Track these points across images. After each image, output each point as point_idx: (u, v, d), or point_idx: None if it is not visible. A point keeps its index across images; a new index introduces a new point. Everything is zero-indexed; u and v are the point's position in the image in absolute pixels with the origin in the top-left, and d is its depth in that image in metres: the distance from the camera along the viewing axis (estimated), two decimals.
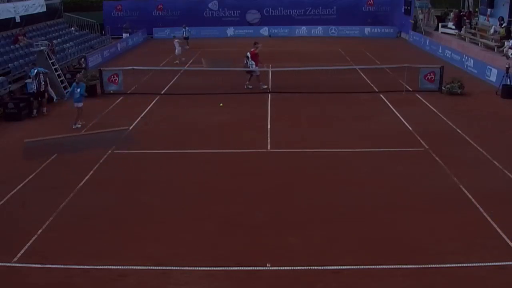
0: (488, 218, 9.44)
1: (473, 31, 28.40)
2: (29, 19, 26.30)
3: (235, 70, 21.89)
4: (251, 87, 19.88)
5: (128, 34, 33.32)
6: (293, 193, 10.73)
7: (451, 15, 32.85)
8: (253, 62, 19.72)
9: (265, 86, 19.80)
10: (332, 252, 8.45)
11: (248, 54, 19.78)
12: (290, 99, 18.57)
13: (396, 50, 30.34)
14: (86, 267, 8.03)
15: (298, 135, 14.48)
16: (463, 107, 17.33)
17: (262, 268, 8.01)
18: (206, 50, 31.13)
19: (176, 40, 26.93)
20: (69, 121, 16.23)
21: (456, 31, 30.40)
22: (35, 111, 16.92)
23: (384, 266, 7.97)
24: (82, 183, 11.29)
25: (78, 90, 15.39)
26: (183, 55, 27.05)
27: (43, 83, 16.92)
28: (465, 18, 30.52)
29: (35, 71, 17.04)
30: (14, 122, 16.12)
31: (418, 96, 18.64)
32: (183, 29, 32.14)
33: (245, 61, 19.89)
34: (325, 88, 19.71)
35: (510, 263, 8.00)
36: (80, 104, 15.53)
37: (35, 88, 16.92)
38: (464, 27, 29.96)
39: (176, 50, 26.60)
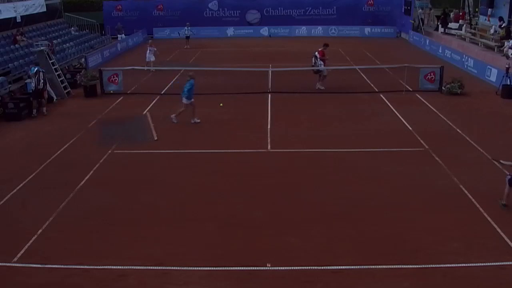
0: (488, 218, 9.45)
1: (473, 31, 28.41)
2: (29, 19, 26.35)
3: (237, 70, 21.92)
4: (322, 88, 19.69)
5: (123, 35, 33.07)
6: (293, 193, 10.73)
7: (451, 15, 32.96)
8: (322, 62, 19.56)
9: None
10: (332, 252, 8.45)
11: (317, 54, 19.54)
12: (290, 99, 18.57)
13: (396, 50, 30.34)
14: (86, 267, 8.03)
15: (298, 135, 14.49)
16: (463, 107, 17.33)
17: (262, 268, 8.01)
18: (206, 50, 31.16)
19: (151, 47, 24.42)
20: (69, 121, 16.28)
21: (442, 29, 31.55)
22: (34, 111, 16.89)
23: (384, 266, 7.97)
24: (82, 183, 11.30)
25: (186, 87, 15.30)
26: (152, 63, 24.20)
27: (42, 81, 16.90)
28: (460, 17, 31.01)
29: (35, 69, 17.05)
30: (14, 122, 16.12)
31: (418, 96, 18.63)
32: (186, 28, 32.01)
33: (314, 61, 19.65)
34: (325, 88, 19.70)
35: (510, 263, 8.01)
36: (186, 101, 15.27)
37: (34, 86, 16.89)
38: (445, 26, 31.18)
39: (148, 58, 24.19)
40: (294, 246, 8.66)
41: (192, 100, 15.41)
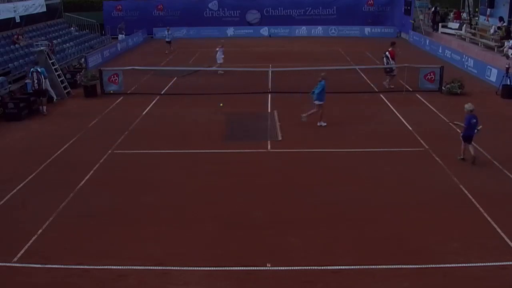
0: (488, 218, 9.45)
1: (473, 31, 28.42)
2: (29, 19, 26.34)
3: (237, 70, 21.92)
4: (392, 86, 19.61)
5: (123, 35, 32.89)
6: (293, 193, 10.73)
7: (451, 15, 33.01)
8: (393, 62, 19.65)
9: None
10: (332, 252, 8.45)
11: (387, 54, 19.63)
12: (290, 99, 18.55)
13: (396, 50, 30.25)
14: (86, 267, 8.04)
15: (298, 135, 14.48)
16: (463, 107, 17.25)
17: (262, 268, 8.01)
18: (206, 50, 31.11)
19: (220, 47, 23.59)
20: (69, 121, 16.28)
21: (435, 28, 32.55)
22: (41, 107, 17.16)
23: (384, 266, 7.97)
24: (82, 183, 11.30)
25: (317, 88, 14.92)
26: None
27: (36, 81, 16.98)
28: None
29: (31, 70, 17.26)
30: (14, 122, 16.12)
31: (418, 96, 18.63)
32: (167, 33, 30.63)
33: (385, 61, 19.78)
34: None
35: (510, 263, 8.01)
36: (317, 102, 14.95)
37: (32, 87, 17.16)
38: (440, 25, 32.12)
39: (218, 59, 23.39)
40: (294, 246, 8.66)
41: (317, 101, 14.98)
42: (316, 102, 15.00)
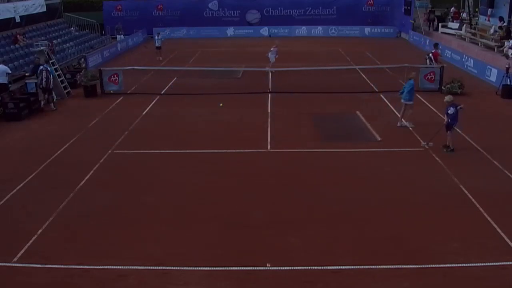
0: (488, 218, 9.45)
1: (473, 31, 28.41)
2: (29, 19, 26.35)
3: (237, 70, 21.87)
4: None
5: (122, 36, 32.68)
6: (293, 193, 10.73)
7: (451, 14, 33.03)
8: (436, 64, 19.93)
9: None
10: (332, 252, 8.45)
11: (431, 55, 20.18)
12: (290, 99, 18.56)
13: (396, 50, 30.33)
14: (86, 267, 8.04)
15: (298, 135, 14.47)
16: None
17: (262, 268, 8.01)
18: (206, 50, 31.15)
19: (274, 47, 23.69)
20: (69, 121, 16.29)
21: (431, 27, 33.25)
22: (42, 102, 17.48)
23: (384, 266, 7.97)
24: (82, 183, 11.30)
25: (405, 88, 15.01)
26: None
27: (44, 79, 17.23)
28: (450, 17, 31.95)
29: (40, 67, 17.48)
30: (14, 122, 16.13)
31: (418, 96, 18.55)
32: (156, 37, 28.35)
33: (428, 62, 20.25)
34: (325, 88, 19.69)
35: (510, 263, 8.01)
36: (406, 101, 14.91)
37: (39, 84, 17.43)
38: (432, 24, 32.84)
39: (270, 58, 23.20)
40: (294, 246, 8.66)
41: (408, 102, 14.93)
42: (403, 101, 14.99)
